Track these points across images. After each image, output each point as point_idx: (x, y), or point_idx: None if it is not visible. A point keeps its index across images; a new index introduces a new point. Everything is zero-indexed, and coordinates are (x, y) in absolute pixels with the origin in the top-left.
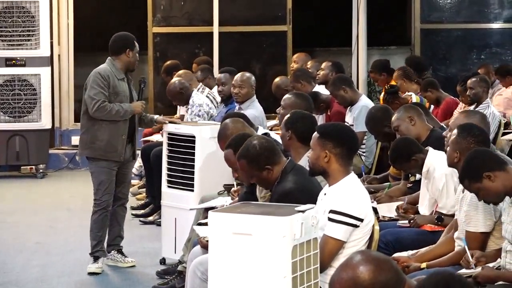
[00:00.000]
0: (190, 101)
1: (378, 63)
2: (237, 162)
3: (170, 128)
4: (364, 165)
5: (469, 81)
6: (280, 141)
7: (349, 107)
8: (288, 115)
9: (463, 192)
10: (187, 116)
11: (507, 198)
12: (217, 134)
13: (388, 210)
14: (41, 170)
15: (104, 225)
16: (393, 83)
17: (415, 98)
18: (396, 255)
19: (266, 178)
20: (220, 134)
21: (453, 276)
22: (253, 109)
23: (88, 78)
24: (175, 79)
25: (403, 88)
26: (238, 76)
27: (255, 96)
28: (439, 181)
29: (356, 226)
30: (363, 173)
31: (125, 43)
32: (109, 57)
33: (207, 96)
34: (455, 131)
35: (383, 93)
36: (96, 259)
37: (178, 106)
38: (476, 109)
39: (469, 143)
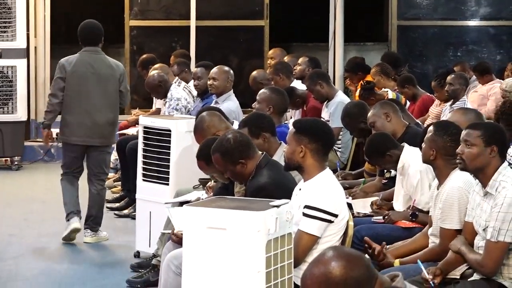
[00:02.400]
0: (169, 95)
1: (353, 63)
2: (210, 168)
3: (145, 121)
4: (340, 160)
5: (448, 77)
6: None
7: (325, 103)
8: (245, 129)
9: (437, 189)
10: (164, 109)
11: (480, 192)
12: (194, 127)
13: (363, 206)
14: (16, 162)
15: None
16: (370, 79)
17: (391, 95)
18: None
19: (240, 172)
20: (197, 127)
21: None
22: (229, 104)
23: (122, 72)
24: (154, 72)
25: (380, 84)
26: (214, 68)
27: (232, 91)
28: (414, 177)
29: (330, 221)
30: (338, 169)
31: (99, 33)
32: (96, 48)
33: (183, 90)
34: (431, 128)
35: (359, 89)
36: (98, 230)
37: (154, 99)
38: (453, 106)
39: (446, 141)
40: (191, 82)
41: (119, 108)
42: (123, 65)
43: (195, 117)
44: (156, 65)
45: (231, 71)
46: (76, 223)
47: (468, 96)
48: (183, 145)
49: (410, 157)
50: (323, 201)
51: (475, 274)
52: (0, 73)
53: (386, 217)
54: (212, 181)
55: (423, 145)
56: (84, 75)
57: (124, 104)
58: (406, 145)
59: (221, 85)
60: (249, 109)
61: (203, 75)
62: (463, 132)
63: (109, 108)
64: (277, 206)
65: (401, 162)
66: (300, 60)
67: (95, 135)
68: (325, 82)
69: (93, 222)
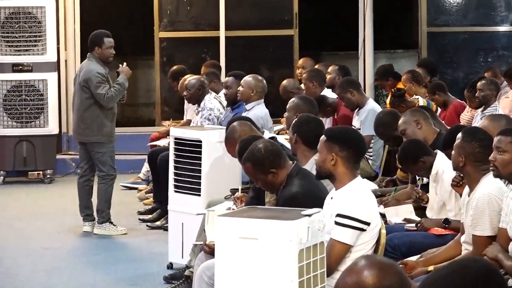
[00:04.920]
0: (202, 104)
1: (382, 70)
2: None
3: (176, 132)
4: (371, 168)
5: (479, 83)
6: (287, 145)
7: (356, 111)
8: (295, 119)
9: (468, 196)
10: (196, 119)
11: None
12: (225, 137)
13: (396, 213)
14: (48, 176)
15: (111, 195)
16: (401, 86)
17: (422, 102)
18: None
19: (272, 181)
20: (228, 137)
21: (492, 268)
22: (257, 110)
23: (86, 78)
24: (198, 76)
25: (412, 91)
26: (245, 77)
27: (262, 100)
28: (448, 183)
29: (363, 230)
30: (380, 175)
31: (92, 40)
32: (89, 54)
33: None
34: (460, 135)
35: (389, 97)
36: (103, 222)
37: (185, 111)
38: (484, 112)
39: (474, 147)
40: (222, 92)
41: (92, 111)
42: (153, 76)
43: (225, 127)
44: (186, 76)
45: (262, 82)
46: (86, 227)
47: (499, 102)
48: (214, 156)
49: (444, 163)
50: (355, 209)
51: (510, 280)
52: (31, 87)
53: (418, 224)
54: (240, 191)
55: (452, 152)
56: (75, 79)
57: (106, 106)
58: (439, 152)
59: (246, 93)
60: (280, 118)
61: (233, 85)
62: (495, 139)
63: (77, 108)
64: (309, 215)
65: (435, 168)
66: (330, 69)
67: (77, 132)
68: (355, 89)
69: (99, 215)
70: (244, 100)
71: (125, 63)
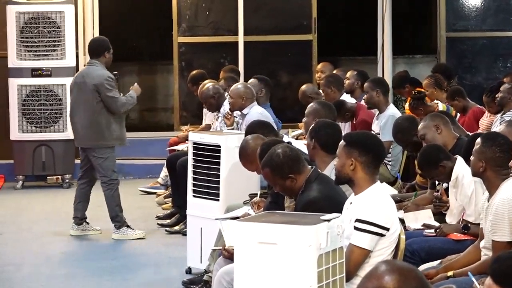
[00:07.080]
0: (221, 110)
1: (398, 78)
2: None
3: (195, 137)
4: (390, 174)
5: (502, 87)
6: (304, 150)
7: (376, 116)
8: (313, 124)
9: (488, 201)
10: (216, 124)
11: None
12: (238, 152)
13: (415, 219)
14: (67, 180)
15: (119, 198)
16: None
17: (441, 107)
18: (424, 266)
19: (290, 187)
20: (241, 152)
21: None
22: (256, 108)
23: (97, 83)
24: (210, 83)
25: (433, 96)
26: (232, 87)
27: (255, 102)
28: (468, 188)
29: (382, 235)
30: (400, 180)
31: (101, 45)
32: (93, 60)
33: None
34: (479, 140)
35: (408, 101)
36: (120, 227)
37: (204, 116)
38: (503, 116)
39: (494, 152)
40: None
41: (103, 115)
42: (172, 81)
43: (244, 132)
44: (206, 81)
45: (248, 89)
46: (71, 230)
47: None
48: (233, 161)
49: (464, 168)
50: (374, 214)
51: None
52: (50, 92)
53: (437, 230)
54: (258, 196)
55: (472, 158)
56: (76, 84)
57: (115, 111)
58: (459, 157)
59: (237, 103)
60: (299, 123)
61: (255, 87)
62: None
63: (86, 114)
64: (328, 220)
65: (454, 173)
66: (349, 74)
67: (78, 138)
68: (382, 92)
69: (113, 221)
70: (238, 109)
71: (136, 83)
